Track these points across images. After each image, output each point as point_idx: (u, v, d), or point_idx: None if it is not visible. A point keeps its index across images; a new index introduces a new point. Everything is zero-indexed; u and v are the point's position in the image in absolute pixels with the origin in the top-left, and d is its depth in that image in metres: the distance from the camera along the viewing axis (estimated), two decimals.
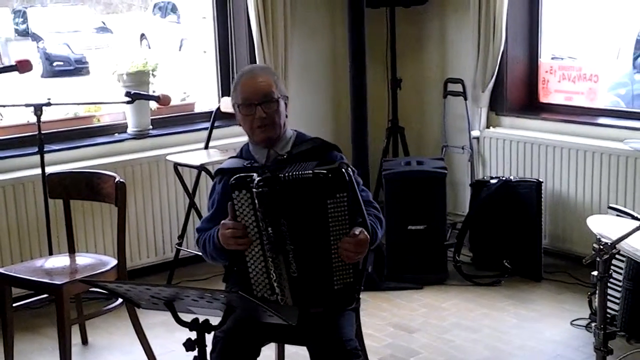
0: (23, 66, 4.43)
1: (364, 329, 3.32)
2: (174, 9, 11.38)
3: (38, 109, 4.40)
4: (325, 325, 2.92)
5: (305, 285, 2.85)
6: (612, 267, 4.01)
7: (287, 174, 2.80)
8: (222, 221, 2.89)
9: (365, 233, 2.84)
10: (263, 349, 3.09)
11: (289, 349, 3.61)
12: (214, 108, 5.43)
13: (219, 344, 2.89)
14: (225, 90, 5.76)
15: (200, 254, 5.13)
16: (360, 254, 2.84)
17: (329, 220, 2.78)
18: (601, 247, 2.86)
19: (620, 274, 4.03)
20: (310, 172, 2.78)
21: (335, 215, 2.78)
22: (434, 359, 4.14)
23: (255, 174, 2.81)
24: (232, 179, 2.83)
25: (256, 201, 2.79)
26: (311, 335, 2.92)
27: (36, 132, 4.44)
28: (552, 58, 5.80)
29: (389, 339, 4.37)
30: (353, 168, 2.91)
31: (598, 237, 3.19)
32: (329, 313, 2.93)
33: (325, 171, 2.77)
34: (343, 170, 2.78)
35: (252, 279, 2.87)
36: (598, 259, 2.91)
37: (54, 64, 10.08)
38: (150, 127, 5.42)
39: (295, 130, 3.21)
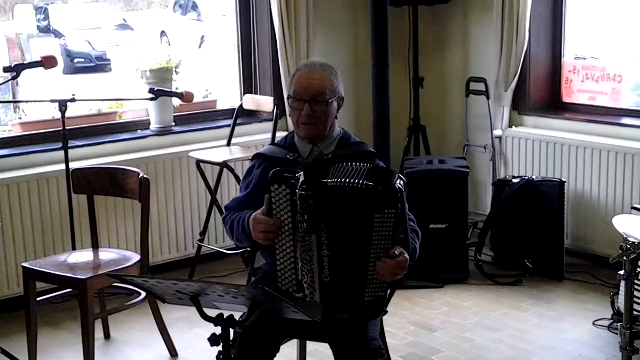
0: (48, 62, 4.45)
1: (385, 327, 3.31)
2: (194, 7, 11.39)
3: (63, 105, 4.42)
4: (349, 324, 2.90)
5: (335, 291, 2.81)
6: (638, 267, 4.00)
7: (335, 181, 2.74)
8: (255, 214, 2.86)
9: (406, 255, 2.78)
10: (285, 346, 3.09)
11: (311, 346, 3.62)
12: (236, 105, 5.44)
13: (239, 339, 2.88)
14: (247, 88, 5.78)
15: (221, 249, 5.19)
16: (398, 276, 2.78)
17: (373, 235, 2.72)
18: (628, 246, 2.85)
19: None
20: (362, 183, 2.71)
21: (379, 230, 2.71)
22: (456, 357, 4.14)
23: (301, 173, 2.75)
24: (272, 171, 2.79)
25: (298, 203, 2.74)
26: (335, 334, 2.91)
27: (60, 128, 4.45)
28: (576, 58, 5.77)
29: (410, 337, 4.37)
30: (405, 180, 2.81)
31: (624, 236, 3.17)
32: (357, 321, 2.90)
33: (378, 185, 2.70)
34: (397, 186, 2.71)
35: (278, 272, 2.85)
36: (625, 259, 2.89)
37: (75, 60, 10.10)
38: (173, 124, 5.44)
39: (343, 129, 3.17)
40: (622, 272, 2.94)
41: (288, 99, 3.08)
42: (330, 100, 3.02)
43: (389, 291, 2.87)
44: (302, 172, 2.77)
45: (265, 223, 2.82)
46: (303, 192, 2.73)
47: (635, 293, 3.98)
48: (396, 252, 2.75)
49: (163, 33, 11.23)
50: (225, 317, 2.49)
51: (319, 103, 3.00)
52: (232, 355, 2.56)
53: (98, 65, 10.03)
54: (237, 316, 2.54)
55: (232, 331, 2.52)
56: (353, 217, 2.75)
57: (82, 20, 10.21)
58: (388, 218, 2.70)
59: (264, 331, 2.89)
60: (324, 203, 2.74)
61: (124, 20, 10.67)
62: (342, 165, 2.81)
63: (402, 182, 2.75)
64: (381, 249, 2.74)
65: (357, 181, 2.72)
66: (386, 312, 2.93)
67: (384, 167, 2.99)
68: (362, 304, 2.82)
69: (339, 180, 2.74)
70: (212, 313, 2.50)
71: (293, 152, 3.06)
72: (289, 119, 5.31)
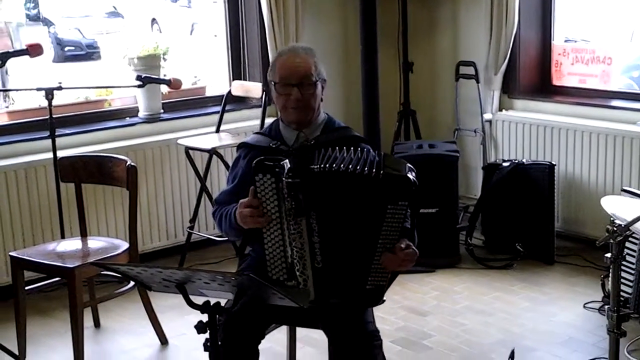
0: (34, 50, 4.42)
1: (376, 313, 3.29)
2: None
3: (49, 93, 4.40)
4: (344, 309, 2.88)
5: (329, 276, 2.78)
6: (625, 249, 4.00)
7: (334, 167, 2.69)
8: (241, 200, 2.83)
9: (414, 248, 2.76)
10: (275, 331, 3.09)
11: (300, 331, 3.61)
12: (225, 92, 5.42)
13: (222, 325, 2.86)
14: (236, 74, 5.75)
15: (211, 236, 5.19)
16: (404, 267, 2.76)
17: (383, 225, 2.68)
18: (615, 228, 2.84)
19: (634, 256, 4.02)
20: (376, 172, 2.65)
21: (390, 221, 2.67)
22: (446, 342, 4.14)
23: (286, 160, 2.70)
24: (255, 161, 2.74)
25: (285, 190, 2.69)
26: (330, 318, 2.89)
27: (47, 117, 4.44)
28: (565, 40, 5.76)
29: (402, 322, 4.37)
30: (415, 171, 2.75)
31: (612, 218, 3.17)
32: (352, 308, 2.88)
33: (392, 175, 2.66)
34: (410, 177, 2.67)
35: (268, 262, 2.82)
36: (611, 241, 2.89)
37: (66, 48, 10.05)
38: (162, 111, 5.42)
39: (327, 114, 3.15)
40: (608, 255, 2.93)
41: (274, 85, 3.04)
42: (317, 82, 3.01)
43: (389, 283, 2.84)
44: (287, 160, 2.73)
45: (248, 206, 2.77)
46: (290, 180, 2.68)
47: (624, 275, 3.99)
48: (402, 245, 2.72)
49: (154, 20, 11.17)
50: (211, 304, 2.48)
51: (307, 85, 2.98)
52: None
53: (88, 53, 9.98)
54: (225, 303, 2.53)
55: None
56: (359, 204, 2.70)
57: (72, 8, 10.15)
58: (400, 209, 2.67)
59: (248, 317, 2.87)
60: (314, 189, 2.70)
61: (114, 7, 10.61)
62: (343, 152, 2.76)
63: (414, 174, 2.71)
64: (389, 239, 2.71)
65: (367, 169, 2.67)
66: (384, 301, 2.87)
67: (396, 157, 2.95)
68: (362, 292, 2.79)
69: (342, 167, 2.69)
70: (200, 300, 2.49)
71: (278, 139, 3.04)
72: None
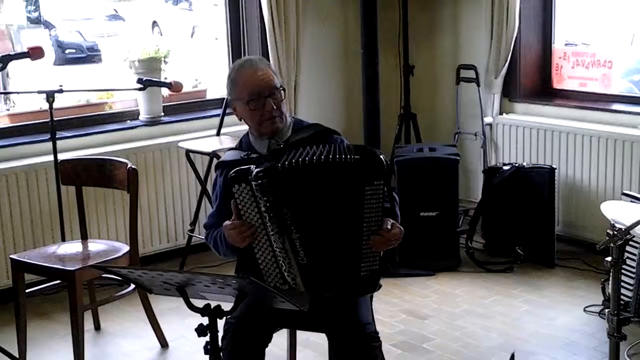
0: (35, 53, 4.42)
1: (376, 316, 3.30)
2: None
3: (50, 96, 4.41)
4: (342, 309, 2.90)
5: (317, 271, 2.78)
6: (625, 253, 3.99)
7: (300, 160, 2.72)
8: (225, 223, 2.83)
9: (399, 226, 2.78)
10: (275, 335, 3.09)
11: (301, 335, 3.61)
12: (225, 95, 5.42)
13: (231, 329, 2.89)
14: None
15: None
16: (392, 246, 2.78)
17: (365, 208, 2.69)
18: (615, 232, 2.84)
19: (634, 260, 4.02)
20: (347, 158, 2.69)
21: (370, 202, 2.69)
22: (446, 345, 4.14)
23: (253, 166, 2.73)
24: (230, 173, 2.76)
25: (257, 194, 2.71)
26: (329, 320, 2.90)
27: (48, 119, 4.44)
28: (566, 44, 5.76)
29: (401, 325, 4.37)
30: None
31: (612, 222, 3.17)
32: (349, 298, 2.91)
33: (363, 158, 2.69)
34: (382, 157, 2.70)
35: (262, 270, 2.82)
36: (612, 245, 2.89)
37: (66, 51, 10.06)
38: (162, 114, 5.42)
39: (293, 117, 3.18)
40: (609, 259, 2.94)
41: (245, 102, 3.01)
42: (281, 87, 3.05)
43: (382, 267, 2.83)
44: (257, 164, 2.74)
45: (233, 228, 2.79)
46: (259, 182, 2.70)
47: (624, 278, 4.00)
48: (388, 226, 2.74)
49: (154, 23, 11.18)
50: (212, 307, 2.49)
51: (275, 94, 3.01)
52: (222, 346, 2.55)
53: (89, 55, 9.99)
54: (225, 306, 2.53)
55: (220, 321, 2.51)
56: (334, 192, 2.72)
57: (73, 11, 10.16)
58: (377, 189, 2.69)
59: (255, 322, 2.89)
60: (284, 186, 2.71)
61: (115, 10, 10.61)
62: (312, 147, 2.79)
63: (383, 155, 2.76)
64: (373, 221, 2.72)
65: (334, 157, 2.70)
66: (380, 286, 2.88)
67: (359, 144, 2.97)
68: (358, 280, 2.79)
69: (310, 158, 2.72)
70: (200, 303, 2.49)
71: (249, 151, 3.03)
72: None
